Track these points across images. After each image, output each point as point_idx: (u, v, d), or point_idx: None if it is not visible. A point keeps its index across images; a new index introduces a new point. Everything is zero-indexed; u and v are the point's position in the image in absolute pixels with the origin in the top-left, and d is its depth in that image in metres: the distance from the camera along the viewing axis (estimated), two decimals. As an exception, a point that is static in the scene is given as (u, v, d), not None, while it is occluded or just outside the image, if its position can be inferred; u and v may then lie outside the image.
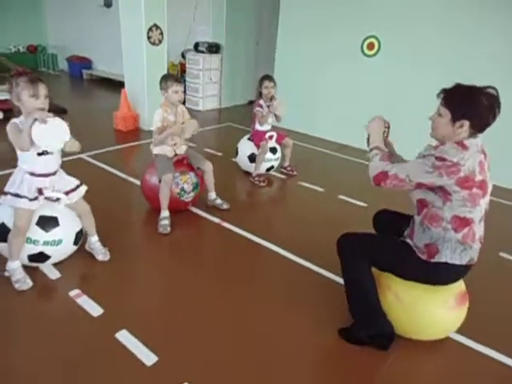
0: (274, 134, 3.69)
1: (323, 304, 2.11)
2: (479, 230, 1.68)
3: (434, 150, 1.59)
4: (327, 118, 5.21)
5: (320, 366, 1.77)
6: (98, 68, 8.48)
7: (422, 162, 1.60)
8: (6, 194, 1.97)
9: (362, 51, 4.65)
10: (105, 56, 8.09)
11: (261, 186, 3.60)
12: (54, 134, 1.84)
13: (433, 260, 1.67)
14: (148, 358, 1.69)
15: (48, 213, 2.06)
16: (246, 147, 3.75)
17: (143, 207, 2.98)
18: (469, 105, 1.55)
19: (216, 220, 2.92)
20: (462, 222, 1.62)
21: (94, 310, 1.93)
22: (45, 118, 1.78)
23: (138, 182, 3.26)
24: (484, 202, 1.62)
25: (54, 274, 2.16)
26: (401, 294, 1.79)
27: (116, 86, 6.77)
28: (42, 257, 2.09)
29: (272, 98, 3.55)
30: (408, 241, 1.78)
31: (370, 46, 4.56)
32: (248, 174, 3.77)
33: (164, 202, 2.70)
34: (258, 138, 3.64)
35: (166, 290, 2.18)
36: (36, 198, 1.95)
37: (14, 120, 1.88)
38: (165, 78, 2.73)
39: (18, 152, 1.94)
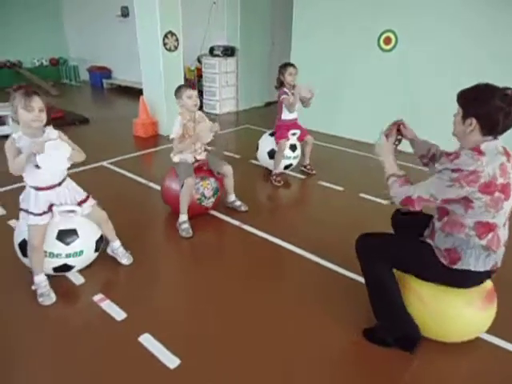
0: (298, 131, 3.66)
1: (346, 304, 2.08)
2: (504, 233, 1.61)
3: (449, 162, 1.54)
4: (345, 116, 5.14)
5: (343, 367, 1.73)
6: (118, 77, 8.67)
7: (439, 178, 1.55)
8: (20, 210, 2.02)
9: (379, 46, 4.56)
10: (124, 65, 8.26)
11: (277, 186, 3.59)
12: (56, 156, 1.86)
13: (454, 266, 1.62)
14: (171, 361, 1.70)
15: (66, 226, 2.08)
16: (266, 143, 3.75)
17: (164, 212, 3.02)
18: (478, 103, 1.51)
19: (236, 222, 2.92)
20: (486, 228, 1.56)
21: (118, 314, 1.96)
22: (40, 148, 1.80)
23: (158, 187, 3.29)
24: (508, 205, 1.55)
25: (78, 280, 2.20)
26: (425, 297, 1.74)
27: (135, 93, 6.89)
28: (65, 267, 2.14)
29: (294, 87, 3.51)
30: (429, 241, 1.73)
31: (387, 41, 4.47)
32: (267, 172, 3.76)
33: (184, 206, 2.72)
34: (281, 132, 3.59)
35: (188, 293, 2.19)
36: (44, 213, 1.97)
37: (13, 135, 1.89)
38: (178, 87, 2.78)
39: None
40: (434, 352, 1.78)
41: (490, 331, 1.83)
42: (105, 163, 4.03)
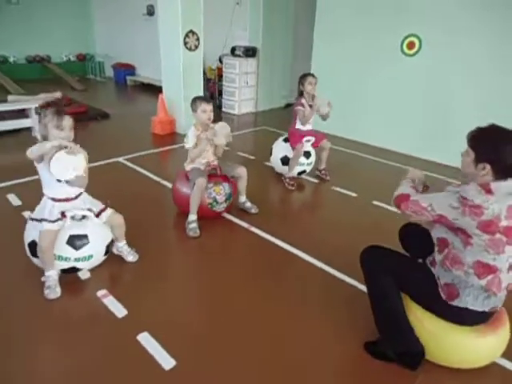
0: (312, 138, 3.61)
1: (350, 314, 2.03)
2: (507, 278, 1.54)
3: (458, 187, 1.51)
4: (365, 121, 5.05)
5: (342, 380, 1.69)
6: (141, 74, 8.81)
7: (449, 195, 1.52)
8: (32, 219, 2.06)
9: (402, 51, 4.45)
10: (147, 62, 8.39)
11: (290, 189, 3.55)
12: (68, 165, 1.90)
13: (452, 303, 1.57)
14: (167, 361, 1.69)
15: (78, 231, 2.09)
16: (280, 149, 3.71)
17: (174, 210, 3.02)
18: (492, 149, 1.46)
19: (245, 225, 2.90)
20: (486, 269, 1.50)
21: (119, 310, 1.97)
22: (73, 149, 1.88)
23: (170, 186, 3.31)
24: (510, 250, 1.49)
25: (84, 275, 2.23)
26: (425, 322, 1.68)
27: (157, 91, 6.98)
28: (74, 270, 2.16)
29: (313, 97, 3.48)
30: (432, 270, 1.67)
31: (411, 45, 4.36)
32: (281, 176, 3.73)
33: (193, 206, 2.72)
34: (294, 139, 3.56)
35: (191, 294, 2.19)
36: (57, 220, 2.00)
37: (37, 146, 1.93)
38: (194, 100, 2.78)
39: (41, 178, 2.04)
40: (438, 371, 1.71)
41: (505, 355, 1.75)
42: (121, 159, 4.08)
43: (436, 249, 1.67)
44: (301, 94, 3.53)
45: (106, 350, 1.76)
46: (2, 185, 3.29)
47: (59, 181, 1.97)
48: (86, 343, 1.78)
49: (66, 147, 1.88)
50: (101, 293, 2.09)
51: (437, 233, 1.66)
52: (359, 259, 1.81)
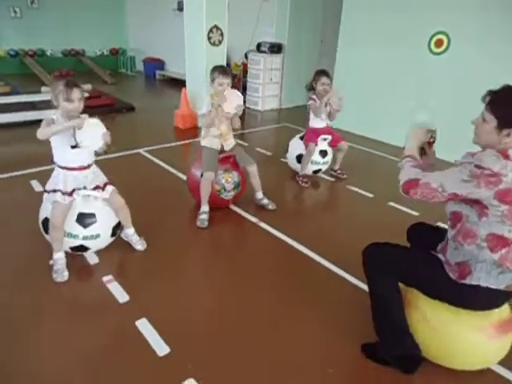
0: (329, 136, 3.56)
1: (351, 315, 1.99)
2: None
3: (471, 157, 1.41)
4: (388, 120, 4.92)
5: (336, 382, 1.66)
6: (170, 69, 8.96)
7: (458, 170, 1.42)
8: (45, 191, 2.16)
9: (429, 49, 4.31)
10: (176, 57, 8.51)
11: (304, 187, 3.52)
12: (94, 133, 1.99)
13: (464, 281, 1.48)
14: (161, 348, 1.73)
15: (86, 210, 2.18)
16: (295, 147, 3.68)
17: (187, 202, 3.06)
18: None
19: (254, 219, 2.90)
20: (500, 242, 1.41)
21: (121, 296, 2.03)
22: (80, 123, 1.94)
23: (185, 178, 3.36)
24: None
25: (93, 260, 2.31)
26: (429, 315, 1.62)
27: (183, 85, 7.11)
28: (82, 248, 2.25)
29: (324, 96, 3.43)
30: (440, 256, 1.60)
31: (439, 43, 4.21)
32: (296, 173, 3.71)
33: (204, 197, 2.76)
34: (310, 137, 3.52)
35: (193, 284, 2.22)
36: (69, 194, 2.08)
37: (51, 115, 2.04)
38: (213, 69, 2.75)
39: (53, 148, 2.10)
40: (435, 376, 1.66)
41: (503, 363, 1.68)
42: (141, 150, 4.18)
43: (448, 224, 1.59)
44: (312, 88, 3.46)
45: (105, 332, 1.82)
46: (27, 171, 3.45)
47: (73, 147, 2.02)
48: (87, 326, 1.85)
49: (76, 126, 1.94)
50: (106, 278, 2.16)
51: (450, 207, 1.55)
52: (361, 256, 1.76)
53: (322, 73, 3.43)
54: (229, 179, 2.83)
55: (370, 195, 3.45)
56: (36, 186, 3.19)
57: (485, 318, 1.57)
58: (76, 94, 1.99)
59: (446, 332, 1.58)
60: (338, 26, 5.24)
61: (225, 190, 2.84)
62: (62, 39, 8.99)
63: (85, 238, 2.20)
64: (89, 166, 2.18)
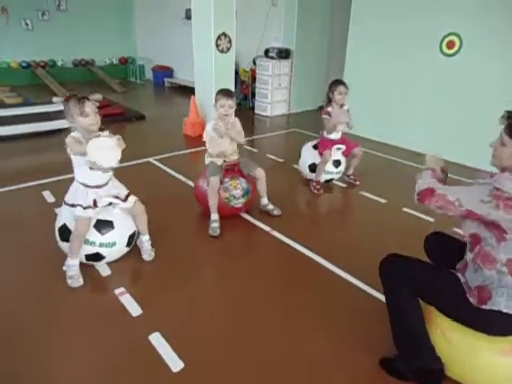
0: (344, 146, 3.51)
1: (367, 327, 1.94)
2: None
3: (490, 178, 1.38)
4: (400, 124, 4.85)
5: (353, 397, 1.61)
6: (178, 76, 9.01)
7: (478, 188, 1.39)
8: (65, 203, 2.18)
9: (441, 50, 4.24)
10: (184, 65, 8.56)
11: (317, 194, 3.47)
12: (107, 151, 1.99)
13: (484, 307, 1.43)
14: (175, 363, 1.69)
15: (104, 217, 2.20)
16: (308, 155, 3.63)
17: (197, 210, 3.04)
18: None
19: (266, 228, 2.86)
20: None
21: (134, 309, 2.00)
22: (98, 136, 1.96)
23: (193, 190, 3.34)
24: None
25: (105, 271, 2.29)
26: (449, 334, 1.55)
27: (192, 93, 7.14)
28: (97, 257, 2.24)
29: (342, 106, 3.39)
30: (460, 276, 1.55)
31: (450, 45, 4.14)
32: (308, 180, 3.66)
33: (213, 205, 2.74)
34: (323, 147, 3.49)
35: (207, 297, 2.18)
36: (90, 207, 2.11)
37: (72, 134, 2.06)
38: (217, 93, 2.80)
39: (74, 167, 2.14)
40: (459, 393, 1.60)
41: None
42: (151, 159, 4.18)
43: (468, 247, 1.55)
44: (329, 101, 3.42)
45: (117, 347, 1.79)
46: (39, 182, 3.47)
47: (91, 168, 2.04)
48: (99, 339, 1.82)
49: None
50: (119, 290, 2.13)
51: (468, 229, 1.51)
52: (378, 267, 1.71)
53: (338, 82, 3.39)
54: (237, 186, 2.80)
55: (384, 201, 3.39)
56: (48, 196, 3.20)
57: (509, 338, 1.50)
58: (88, 106, 2.01)
59: (468, 352, 1.51)
60: (347, 29, 5.21)
61: (234, 197, 2.81)
62: (72, 50, 9.11)
63: (101, 245, 2.20)
64: (107, 183, 2.21)
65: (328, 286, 2.27)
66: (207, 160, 2.89)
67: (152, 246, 2.45)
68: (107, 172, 2.17)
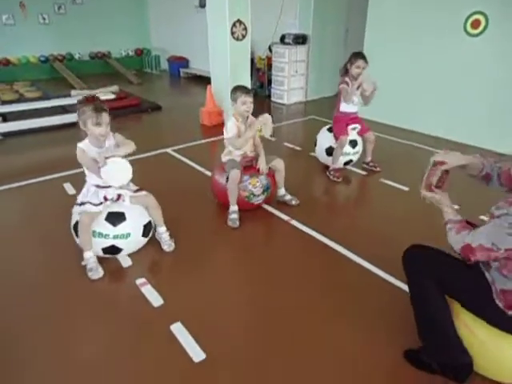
0: (358, 126, 3.43)
1: (390, 317, 1.89)
2: None
3: (508, 206, 1.31)
4: (421, 109, 4.70)
5: (377, 389, 1.58)
6: (194, 66, 8.96)
7: (498, 225, 1.34)
8: (77, 204, 2.23)
9: (465, 30, 4.06)
10: (199, 54, 8.49)
11: (336, 182, 3.40)
12: (120, 173, 2.08)
13: (510, 312, 1.37)
14: (197, 354, 1.69)
15: (115, 209, 2.22)
16: (324, 139, 3.57)
17: (215, 201, 3.03)
18: None
19: (285, 217, 2.83)
20: None
21: (156, 299, 2.01)
22: (103, 162, 2.04)
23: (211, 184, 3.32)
24: None
25: (126, 262, 2.31)
26: (475, 329, 1.50)
27: (208, 82, 7.10)
28: (114, 249, 2.26)
29: (357, 79, 3.26)
30: (486, 275, 1.48)
31: (475, 24, 3.95)
32: (326, 168, 3.59)
33: (232, 198, 2.72)
34: (339, 127, 3.39)
35: (228, 287, 2.17)
36: (100, 204, 2.16)
37: (79, 145, 2.11)
38: (234, 89, 2.74)
39: (86, 171, 2.19)
40: (488, 386, 1.55)
41: None
42: (169, 150, 4.18)
43: None
44: (346, 71, 3.31)
45: (139, 337, 1.80)
46: (60, 174, 3.52)
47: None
48: (120, 330, 1.84)
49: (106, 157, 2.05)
50: (140, 281, 2.15)
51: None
52: (402, 257, 1.66)
53: (358, 55, 3.25)
54: (256, 184, 2.76)
55: (406, 188, 3.30)
56: (69, 188, 3.25)
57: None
58: (105, 118, 2.06)
59: (493, 345, 1.46)
60: (365, 13, 5.04)
61: (254, 195, 2.77)
62: (89, 42, 9.16)
63: (115, 237, 2.21)
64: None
65: (349, 275, 2.24)
66: (225, 158, 2.83)
67: (171, 236, 2.45)
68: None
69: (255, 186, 2.75)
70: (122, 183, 2.13)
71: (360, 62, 3.21)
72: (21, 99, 5.95)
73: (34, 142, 4.52)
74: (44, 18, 8.56)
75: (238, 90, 2.72)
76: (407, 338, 1.72)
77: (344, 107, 3.39)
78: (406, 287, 2.04)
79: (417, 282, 1.59)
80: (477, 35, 3.99)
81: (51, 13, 8.61)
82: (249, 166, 2.81)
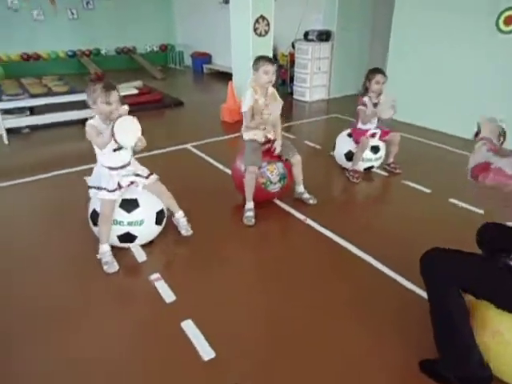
0: (378, 131, 3.35)
1: (405, 324, 1.83)
2: None
3: None
4: (448, 108, 4.54)
5: (390, 398, 1.53)
6: (217, 62, 8.98)
7: None
8: (90, 187, 2.25)
9: (497, 27, 3.88)
10: (222, 50, 8.50)
11: (354, 182, 3.33)
12: (130, 131, 2.04)
13: None
14: (206, 352, 1.69)
15: (129, 196, 2.26)
16: (343, 143, 3.50)
17: (233, 198, 3.01)
18: None
19: (301, 217, 2.79)
20: None
21: (168, 296, 2.02)
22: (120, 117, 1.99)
23: (231, 173, 3.31)
24: None
25: (141, 257, 2.33)
26: (503, 329, 1.42)
27: (230, 78, 7.09)
28: (129, 236, 2.29)
29: (379, 95, 3.22)
30: None
31: (509, 21, 3.77)
32: (345, 168, 3.53)
33: (248, 193, 2.70)
34: (357, 136, 3.35)
35: (240, 285, 2.15)
36: (115, 190, 2.17)
37: (90, 121, 2.11)
38: (257, 58, 2.64)
39: (96, 150, 2.18)
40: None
41: None
42: (189, 146, 4.20)
43: None
44: (366, 90, 3.25)
45: (149, 332, 1.81)
46: (82, 167, 3.59)
47: (115, 150, 2.12)
48: (133, 324, 1.86)
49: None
50: (153, 276, 2.16)
51: None
52: (419, 261, 1.59)
53: (375, 70, 3.21)
54: (274, 171, 2.74)
55: (428, 191, 3.19)
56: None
57: None
58: (114, 96, 2.05)
59: None
60: (392, 9, 4.90)
61: (270, 182, 2.75)
62: (115, 38, 9.32)
63: (130, 223, 2.25)
64: (129, 163, 2.27)
65: (364, 278, 2.18)
66: (246, 136, 2.77)
67: (188, 221, 2.50)
68: (129, 152, 2.22)
69: (272, 173, 2.73)
70: (134, 141, 2.08)
71: (379, 77, 3.15)
72: (48, 93, 6.10)
73: (59, 136, 4.64)
74: (73, 14, 8.75)
75: (261, 58, 2.61)
76: (420, 344, 1.66)
77: (362, 126, 3.34)
78: (423, 293, 1.98)
79: (436, 290, 1.52)
80: (510, 32, 3.80)
81: (80, 8, 8.80)
82: (267, 150, 2.77)
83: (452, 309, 1.48)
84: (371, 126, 3.34)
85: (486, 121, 1.54)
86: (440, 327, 1.54)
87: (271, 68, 2.56)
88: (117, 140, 1.98)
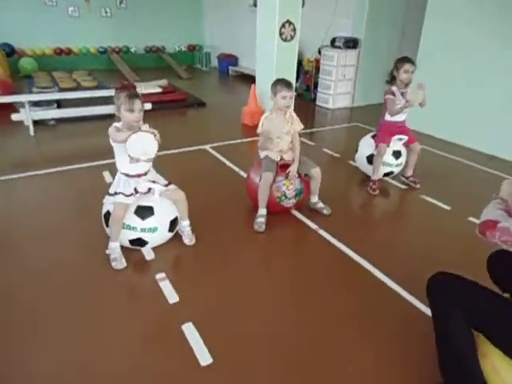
0: (406, 137, 3.26)
1: (412, 347, 1.77)
2: None
3: None
4: (475, 123, 4.39)
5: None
6: (242, 65, 9.02)
7: None
8: (109, 194, 2.29)
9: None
10: (248, 53, 8.52)
11: (372, 194, 3.26)
12: (144, 147, 2.05)
13: None
14: (204, 357, 1.67)
15: (145, 203, 2.27)
16: (366, 146, 3.43)
17: (246, 202, 3.00)
18: None
19: (313, 226, 2.75)
20: None
21: (171, 296, 2.02)
22: (137, 131, 2.04)
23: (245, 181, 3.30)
24: None
25: (149, 255, 2.35)
26: (499, 366, 1.35)
27: (254, 81, 7.10)
28: (140, 242, 2.31)
29: (407, 85, 3.12)
30: None
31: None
32: (366, 178, 3.45)
33: (262, 200, 2.68)
34: (383, 132, 3.25)
35: (244, 291, 2.13)
36: (131, 195, 2.21)
37: (115, 124, 2.18)
38: (275, 83, 2.67)
39: (115, 155, 2.24)
40: None
41: None
42: (207, 147, 4.22)
43: None
44: (393, 78, 3.15)
45: (149, 332, 1.81)
46: (102, 162, 3.66)
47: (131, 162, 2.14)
48: (135, 323, 1.86)
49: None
50: (159, 276, 2.17)
51: None
52: (426, 285, 1.54)
53: (404, 59, 3.10)
54: (290, 186, 2.71)
55: (447, 207, 3.09)
56: (107, 177, 3.37)
57: None
58: (137, 104, 2.10)
59: None
60: (422, 17, 4.79)
61: (286, 197, 2.72)
62: (145, 37, 9.51)
63: (143, 230, 2.26)
64: (146, 173, 2.29)
65: (373, 293, 2.12)
66: (262, 153, 2.80)
67: (192, 230, 2.49)
68: (147, 162, 2.24)
69: (288, 188, 2.70)
70: (148, 157, 2.11)
71: (407, 66, 3.05)
72: (77, 87, 6.27)
73: (83, 129, 4.75)
74: (106, 12, 8.98)
75: (280, 83, 2.63)
76: (428, 369, 1.60)
77: (389, 117, 3.24)
78: (426, 310, 1.91)
79: (441, 315, 1.46)
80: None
81: (113, 7, 9.02)
82: (285, 165, 2.75)
83: (455, 334, 1.42)
84: (400, 118, 3.23)
85: (509, 184, 1.54)
86: (443, 352, 1.47)
87: (288, 94, 2.59)
88: (129, 154, 2.03)
